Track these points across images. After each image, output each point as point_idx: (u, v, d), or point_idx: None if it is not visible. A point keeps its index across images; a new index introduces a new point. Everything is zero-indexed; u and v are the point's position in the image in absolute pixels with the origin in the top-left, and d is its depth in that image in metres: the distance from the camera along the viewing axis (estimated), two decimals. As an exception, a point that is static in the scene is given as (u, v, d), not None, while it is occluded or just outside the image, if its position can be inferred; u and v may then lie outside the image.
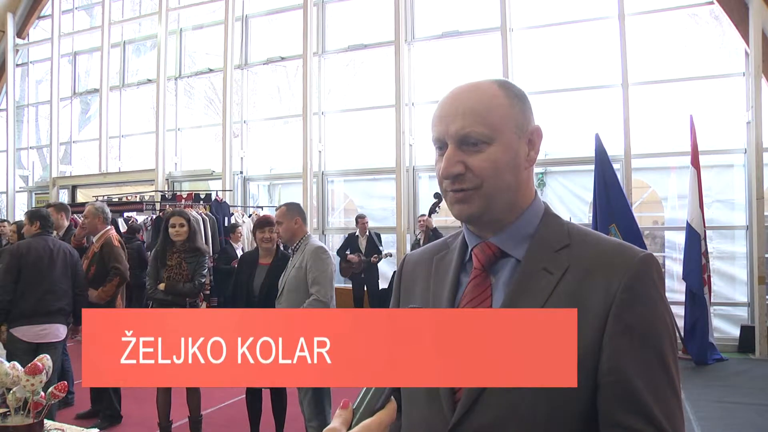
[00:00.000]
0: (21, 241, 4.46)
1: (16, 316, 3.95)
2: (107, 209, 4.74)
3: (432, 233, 6.78)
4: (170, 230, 4.12)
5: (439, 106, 1.00)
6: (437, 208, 6.94)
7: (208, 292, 7.52)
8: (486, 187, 0.95)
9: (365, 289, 7.94)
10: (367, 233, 7.97)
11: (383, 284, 8.04)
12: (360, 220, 8.00)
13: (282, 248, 4.16)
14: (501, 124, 0.95)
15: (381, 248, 7.93)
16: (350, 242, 7.99)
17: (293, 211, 3.70)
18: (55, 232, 5.19)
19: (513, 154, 0.96)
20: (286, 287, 3.59)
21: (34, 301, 3.96)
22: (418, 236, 7.07)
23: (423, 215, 7.09)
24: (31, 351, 3.69)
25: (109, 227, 4.71)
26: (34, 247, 4.07)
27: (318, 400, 3.53)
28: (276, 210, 3.83)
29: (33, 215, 4.25)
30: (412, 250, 7.29)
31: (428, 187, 8.72)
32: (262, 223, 4.03)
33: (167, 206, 7.80)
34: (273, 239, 3.97)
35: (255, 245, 4.21)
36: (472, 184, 0.95)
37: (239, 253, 7.63)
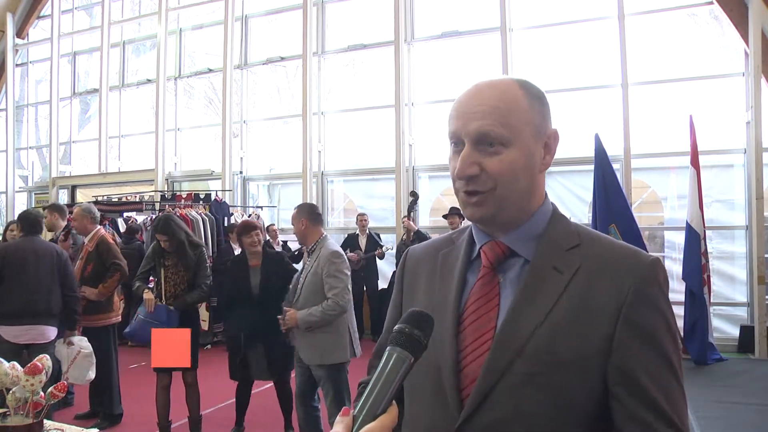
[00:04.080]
0: (4, 242, 4.47)
1: (2, 316, 3.95)
2: (95, 209, 4.75)
3: (415, 235, 6.78)
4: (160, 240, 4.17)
5: (458, 102, 0.98)
6: (415, 206, 6.95)
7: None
8: (500, 190, 0.94)
9: (365, 289, 7.94)
10: (367, 232, 7.99)
11: (383, 284, 8.05)
12: (359, 217, 8.02)
13: (266, 247, 4.29)
14: (520, 127, 0.94)
15: (381, 244, 7.94)
16: (350, 241, 8.00)
17: (301, 212, 3.71)
18: (52, 233, 5.21)
19: (529, 158, 0.96)
20: (303, 291, 3.59)
21: (20, 302, 3.96)
22: (403, 237, 7.10)
23: (405, 216, 7.12)
24: (17, 352, 3.70)
25: (98, 227, 4.73)
26: (18, 248, 4.08)
27: (339, 400, 3.55)
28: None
29: (18, 218, 4.28)
30: (398, 250, 7.33)
31: (428, 187, 8.73)
32: (246, 229, 4.13)
33: (167, 206, 7.79)
34: (257, 242, 4.08)
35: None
36: (485, 187, 0.94)
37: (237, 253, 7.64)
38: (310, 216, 3.70)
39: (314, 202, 9.11)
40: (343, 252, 3.71)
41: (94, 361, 4.36)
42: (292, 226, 3.77)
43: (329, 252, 3.59)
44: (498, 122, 0.93)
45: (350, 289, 3.60)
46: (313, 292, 3.54)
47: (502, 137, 0.93)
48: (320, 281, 3.53)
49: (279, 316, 3.61)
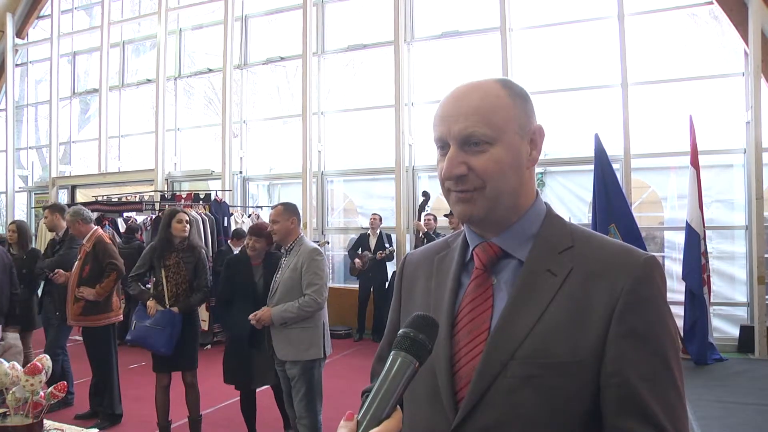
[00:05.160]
0: None
1: None
2: (84, 210, 4.73)
3: (424, 236, 6.80)
4: (177, 226, 4.08)
5: (441, 106, 0.99)
6: (427, 207, 6.98)
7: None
8: (489, 188, 0.94)
9: (371, 289, 7.95)
10: (378, 232, 8.01)
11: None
12: (372, 217, 8.10)
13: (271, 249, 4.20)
14: (504, 125, 0.95)
15: (387, 245, 7.96)
16: (361, 241, 8.05)
17: (290, 211, 3.69)
18: (53, 233, 5.20)
19: (516, 155, 0.96)
20: (280, 288, 3.58)
21: None
22: (414, 239, 7.14)
23: (428, 216, 7.12)
24: None
25: (95, 227, 4.73)
26: None
27: (310, 399, 3.56)
28: (272, 209, 3.81)
29: None
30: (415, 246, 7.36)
31: (428, 187, 8.72)
32: (253, 231, 4.07)
33: (167, 206, 7.79)
34: (258, 249, 4.00)
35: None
36: (474, 185, 0.95)
37: (237, 255, 7.63)
38: (297, 215, 3.72)
39: (314, 202, 9.15)
40: (322, 251, 3.72)
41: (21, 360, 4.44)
42: (274, 222, 3.67)
43: (310, 249, 3.60)
44: (481, 122, 0.93)
45: (327, 287, 3.62)
46: (290, 290, 3.53)
47: (486, 136, 0.93)
48: (298, 278, 3.53)
49: (250, 315, 3.60)
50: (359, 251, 7.93)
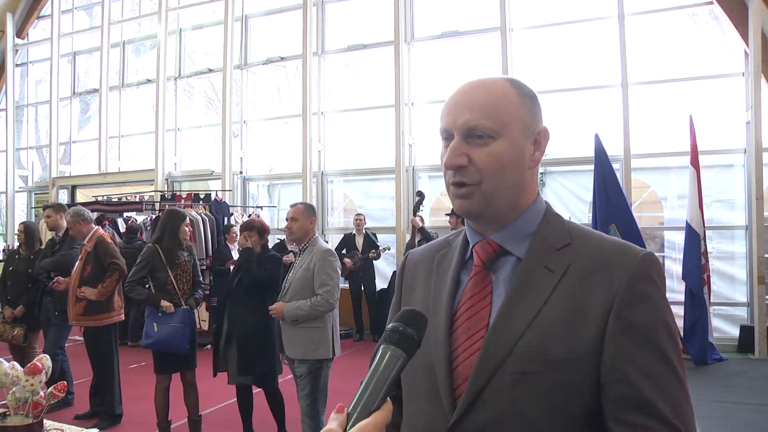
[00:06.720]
0: None
1: None
2: (84, 210, 4.75)
3: (420, 232, 6.85)
4: (185, 229, 4.24)
5: (449, 99, 1.00)
6: (421, 207, 7.01)
7: (207, 292, 7.53)
8: (486, 184, 0.95)
9: (362, 288, 7.95)
10: (364, 232, 8.00)
11: (381, 284, 8.06)
12: (356, 217, 8.07)
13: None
14: (508, 121, 0.95)
15: (379, 244, 7.95)
16: (347, 242, 8.02)
17: (310, 210, 3.76)
18: (53, 232, 5.21)
19: (518, 152, 0.96)
20: (292, 287, 3.61)
21: None
22: (408, 237, 7.16)
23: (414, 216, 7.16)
24: None
25: (95, 227, 4.74)
26: None
27: (314, 398, 3.57)
28: (291, 207, 3.84)
29: None
30: (406, 250, 7.37)
31: (428, 187, 8.73)
32: (243, 227, 4.23)
33: (167, 206, 7.79)
34: (242, 243, 4.15)
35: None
36: (473, 179, 0.95)
37: (235, 254, 7.63)
38: (315, 216, 3.79)
39: (314, 202, 9.15)
40: (334, 252, 3.77)
41: None
42: (293, 220, 3.69)
43: (324, 249, 3.65)
44: (486, 115, 0.94)
45: (339, 288, 3.65)
46: (302, 289, 3.56)
47: (490, 130, 0.94)
48: (311, 277, 3.56)
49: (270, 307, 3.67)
50: (344, 252, 7.91)
